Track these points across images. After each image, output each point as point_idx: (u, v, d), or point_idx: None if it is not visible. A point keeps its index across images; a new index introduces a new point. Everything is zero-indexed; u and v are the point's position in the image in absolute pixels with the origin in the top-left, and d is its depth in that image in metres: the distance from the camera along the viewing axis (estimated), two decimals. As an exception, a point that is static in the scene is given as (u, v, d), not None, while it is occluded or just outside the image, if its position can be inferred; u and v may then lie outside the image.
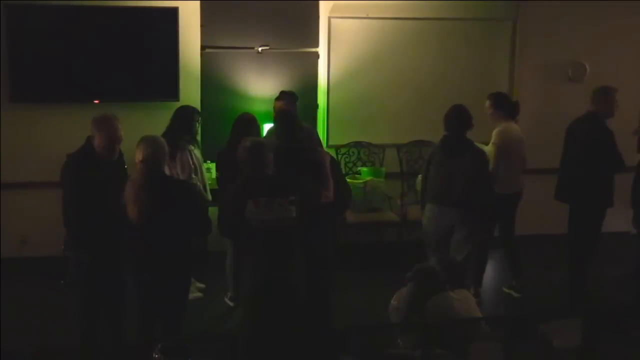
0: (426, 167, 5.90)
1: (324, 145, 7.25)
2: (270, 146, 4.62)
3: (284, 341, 4.39)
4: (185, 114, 6.11)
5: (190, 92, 6.97)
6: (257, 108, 6.85)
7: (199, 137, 6.33)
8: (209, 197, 6.16)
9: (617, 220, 6.72)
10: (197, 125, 6.16)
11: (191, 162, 6.02)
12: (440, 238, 5.75)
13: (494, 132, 6.24)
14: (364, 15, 7.39)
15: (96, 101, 6.78)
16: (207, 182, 6.31)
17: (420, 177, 7.32)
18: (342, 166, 7.47)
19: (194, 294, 6.06)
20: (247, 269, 4.54)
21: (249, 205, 4.33)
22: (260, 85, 7.12)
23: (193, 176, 6.00)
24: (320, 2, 7.25)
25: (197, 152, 6.15)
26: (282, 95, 6.47)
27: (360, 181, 7.19)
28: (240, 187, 4.49)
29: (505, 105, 6.34)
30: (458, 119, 5.73)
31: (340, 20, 7.37)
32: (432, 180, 5.78)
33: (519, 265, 6.56)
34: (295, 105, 6.44)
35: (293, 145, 4.93)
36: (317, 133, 6.47)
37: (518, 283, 6.53)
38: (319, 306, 4.99)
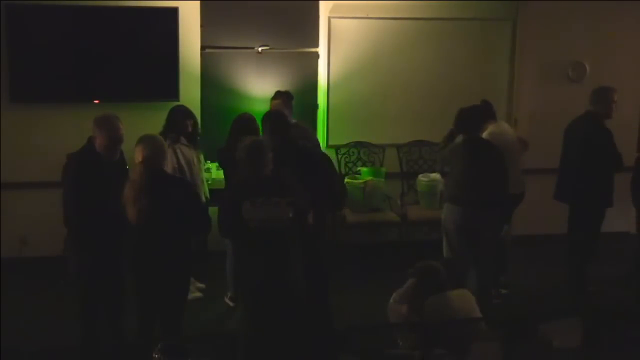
0: (446, 166, 5.79)
1: (324, 145, 7.27)
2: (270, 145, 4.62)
3: (283, 340, 4.40)
4: (174, 114, 6.10)
5: (190, 92, 6.97)
6: (257, 108, 6.84)
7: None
8: (203, 198, 6.15)
9: (617, 220, 6.73)
10: (189, 125, 6.14)
11: (175, 162, 5.95)
12: (468, 239, 5.66)
13: (485, 134, 6.20)
14: (364, 15, 7.39)
15: (96, 101, 6.78)
16: (204, 182, 6.29)
17: (420, 177, 7.38)
18: (342, 166, 7.48)
19: (194, 294, 6.05)
20: (244, 269, 4.55)
21: (245, 204, 4.34)
22: (260, 85, 7.12)
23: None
24: (320, 2, 7.25)
25: (187, 152, 6.07)
26: (278, 95, 6.47)
27: (360, 181, 7.18)
28: (237, 186, 4.49)
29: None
30: (478, 117, 5.70)
31: (340, 20, 7.36)
32: (456, 181, 5.66)
33: (507, 261, 6.52)
34: (291, 105, 6.45)
35: (287, 143, 4.93)
36: (310, 131, 6.50)
37: (505, 279, 6.47)
38: (319, 305, 4.98)
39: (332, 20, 7.34)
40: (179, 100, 6.76)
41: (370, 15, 7.39)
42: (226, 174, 6.01)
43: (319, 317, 4.97)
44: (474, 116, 5.69)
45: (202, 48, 7.06)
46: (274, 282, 4.41)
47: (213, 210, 5.61)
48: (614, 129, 6.20)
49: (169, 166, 5.81)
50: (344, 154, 7.52)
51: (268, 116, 5.38)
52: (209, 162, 6.66)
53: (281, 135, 5.01)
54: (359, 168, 7.47)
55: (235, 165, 5.82)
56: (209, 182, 6.46)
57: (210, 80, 7.09)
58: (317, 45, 7.29)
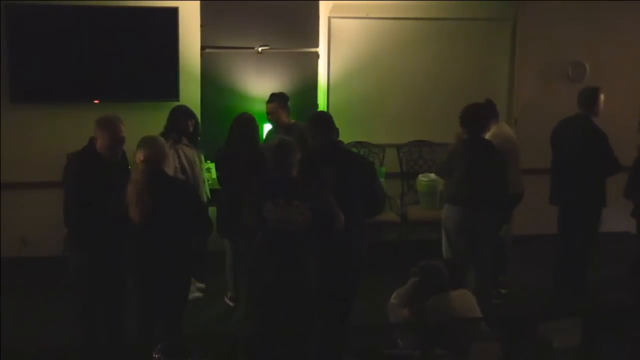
0: (447, 169, 5.76)
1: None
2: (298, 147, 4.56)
3: (286, 341, 4.40)
4: (175, 114, 6.11)
5: (190, 92, 6.97)
6: (257, 108, 6.84)
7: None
8: (204, 198, 6.15)
9: (616, 220, 6.72)
10: (191, 125, 6.15)
11: (177, 163, 5.96)
12: (468, 239, 5.65)
13: (489, 135, 6.20)
14: (364, 15, 7.39)
15: (96, 101, 6.78)
16: (205, 182, 6.29)
17: (420, 177, 7.38)
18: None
19: (194, 294, 6.05)
20: (257, 268, 4.53)
21: (267, 204, 4.34)
22: (260, 85, 7.12)
23: (179, 176, 5.93)
24: (320, 2, 7.25)
25: (189, 152, 6.08)
26: (273, 98, 6.48)
27: (360, 181, 7.16)
28: (262, 185, 4.49)
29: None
30: (485, 118, 5.72)
31: (340, 20, 7.37)
32: (457, 181, 5.65)
33: (507, 261, 6.51)
34: (287, 106, 6.45)
35: (329, 144, 4.87)
36: None
37: (505, 279, 6.48)
38: (342, 309, 4.94)
39: (332, 20, 7.34)
40: (179, 100, 6.76)
41: (370, 15, 7.39)
42: (221, 175, 6.00)
43: (334, 320, 4.91)
44: (481, 117, 5.69)
45: (202, 48, 7.06)
46: (283, 283, 4.40)
47: (213, 210, 5.63)
48: (613, 130, 6.19)
49: (171, 167, 5.83)
50: (344, 154, 7.51)
51: (316, 118, 5.25)
52: (209, 162, 6.66)
53: (326, 136, 4.93)
54: (359, 168, 7.46)
55: (233, 167, 5.85)
56: (209, 182, 6.46)
57: (210, 80, 7.09)
58: (317, 45, 7.29)
